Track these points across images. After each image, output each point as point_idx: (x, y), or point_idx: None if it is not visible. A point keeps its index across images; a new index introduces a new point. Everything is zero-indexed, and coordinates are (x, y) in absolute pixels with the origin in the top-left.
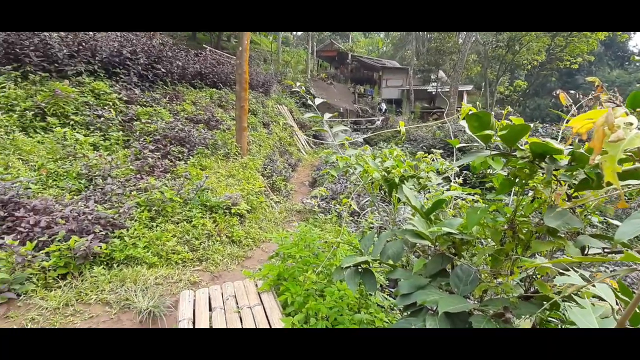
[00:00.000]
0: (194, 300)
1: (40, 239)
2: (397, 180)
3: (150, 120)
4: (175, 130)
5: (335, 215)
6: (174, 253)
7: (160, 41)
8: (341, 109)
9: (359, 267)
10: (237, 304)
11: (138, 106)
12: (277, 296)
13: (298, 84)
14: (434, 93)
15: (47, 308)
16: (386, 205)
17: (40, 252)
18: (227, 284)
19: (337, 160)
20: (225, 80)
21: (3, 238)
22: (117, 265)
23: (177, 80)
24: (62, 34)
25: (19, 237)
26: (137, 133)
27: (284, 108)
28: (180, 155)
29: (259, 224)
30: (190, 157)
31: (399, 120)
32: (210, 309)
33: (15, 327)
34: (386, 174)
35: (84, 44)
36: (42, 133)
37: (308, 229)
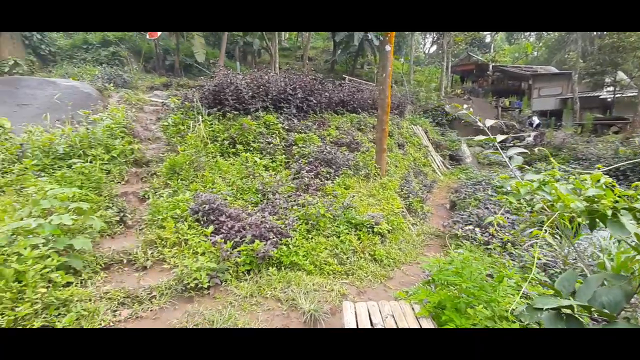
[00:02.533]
0: (355, 312)
1: (234, 240)
2: (608, 212)
3: (304, 145)
4: (324, 153)
5: (497, 245)
6: (326, 264)
7: (313, 77)
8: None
9: (560, 311)
10: (396, 324)
11: (296, 133)
12: (436, 324)
13: (465, 106)
14: (609, 100)
15: (239, 295)
16: (555, 239)
17: (234, 250)
18: (383, 302)
19: (511, 185)
20: (364, 106)
21: (214, 236)
22: (284, 269)
23: (323, 108)
24: (248, 80)
25: (222, 237)
26: (296, 156)
27: (418, 128)
28: (327, 175)
29: (398, 245)
30: (336, 177)
31: (559, 135)
32: (371, 324)
33: (220, 306)
34: (589, 204)
35: (261, 87)
36: (233, 157)
37: (470, 257)
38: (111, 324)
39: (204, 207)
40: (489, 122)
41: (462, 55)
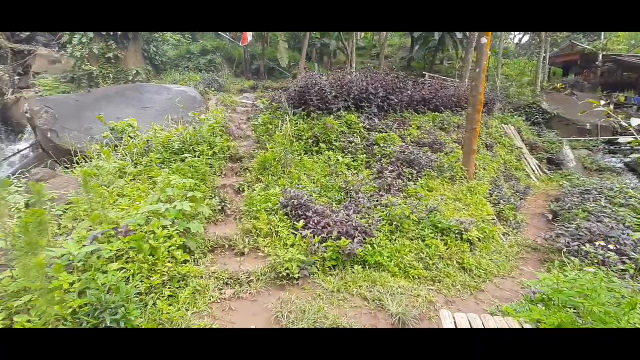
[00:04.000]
0: (454, 322)
1: (321, 235)
2: None
3: (386, 145)
4: (406, 153)
5: (631, 266)
6: (411, 267)
7: (395, 75)
8: (588, 125)
9: None
10: None
11: (376, 133)
12: None
13: (603, 102)
14: None
15: (326, 289)
16: None
17: (322, 245)
18: (486, 316)
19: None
20: (447, 104)
21: (304, 231)
22: (369, 268)
23: (404, 107)
24: (332, 81)
25: (310, 232)
26: (378, 156)
27: (510, 128)
28: (410, 177)
29: (489, 255)
30: (419, 178)
31: None
32: None
33: (309, 298)
34: None
35: (344, 87)
36: (316, 155)
37: (602, 277)
38: (218, 300)
39: (293, 202)
40: (636, 122)
41: (564, 44)
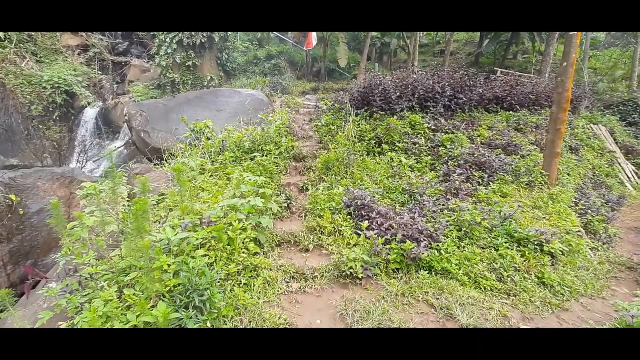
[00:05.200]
0: None
1: (385, 237)
2: None
3: (452, 146)
4: (476, 155)
5: None
6: (482, 277)
7: (465, 72)
8: None
9: None
10: None
11: (443, 134)
12: None
13: None
14: None
15: (390, 292)
16: None
17: (385, 247)
18: None
19: None
20: (523, 102)
21: (369, 231)
22: (436, 274)
23: (474, 106)
24: (396, 81)
25: (375, 233)
26: (444, 158)
27: (600, 128)
28: (480, 181)
29: (575, 272)
30: (490, 183)
31: None
32: None
33: (373, 299)
34: None
35: (409, 86)
36: (379, 157)
37: None
38: (285, 293)
39: (356, 202)
40: None
41: None
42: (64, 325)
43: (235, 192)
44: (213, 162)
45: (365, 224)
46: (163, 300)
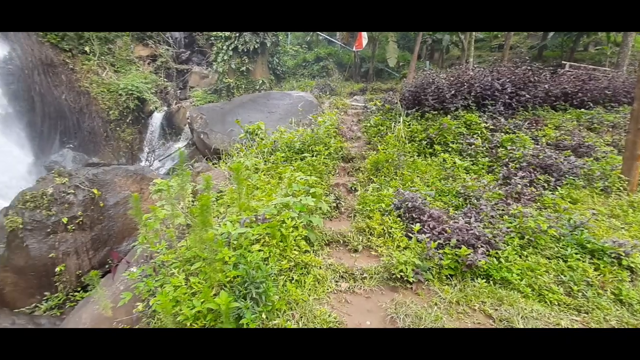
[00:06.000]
0: None
1: (438, 241)
2: None
3: (513, 147)
4: (540, 157)
5: None
6: (547, 290)
7: (528, 67)
8: None
9: None
10: None
11: (502, 133)
12: None
13: None
14: None
15: (443, 299)
16: None
17: (438, 251)
18: None
19: None
20: (597, 98)
21: (420, 234)
22: (494, 284)
23: (538, 104)
24: (451, 78)
25: (427, 236)
26: (503, 159)
27: None
28: (545, 184)
29: None
30: (558, 187)
31: None
32: None
33: (424, 304)
34: None
35: (464, 84)
36: (430, 158)
37: None
38: (335, 291)
39: (406, 204)
40: None
41: None
42: (139, 305)
43: (287, 191)
44: (265, 161)
45: (417, 226)
46: (224, 290)
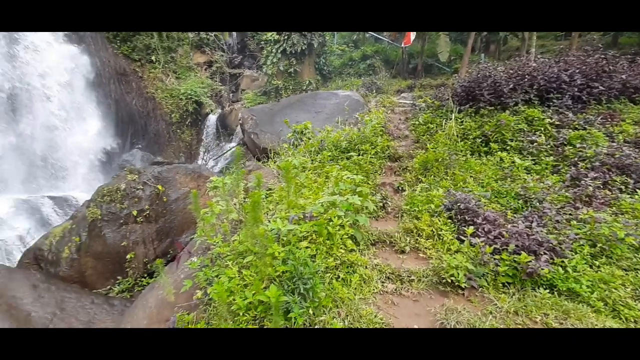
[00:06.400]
0: None
1: (494, 246)
2: None
3: (583, 145)
4: (616, 156)
5: None
6: (623, 305)
7: (602, 55)
8: None
9: None
10: None
11: (570, 130)
12: None
13: None
14: None
15: (499, 308)
16: None
17: (493, 257)
18: None
19: None
20: None
21: (473, 237)
22: (559, 295)
23: (613, 96)
24: (510, 71)
25: (482, 240)
26: (573, 159)
27: None
28: (622, 187)
29: None
30: (637, 190)
31: None
32: None
33: (478, 312)
34: None
35: (526, 76)
36: (485, 157)
37: None
38: (381, 292)
39: (458, 205)
40: None
41: None
42: (198, 293)
43: (334, 189)
44: (313, 160)
45: (470, 229)
46: (273, 284)
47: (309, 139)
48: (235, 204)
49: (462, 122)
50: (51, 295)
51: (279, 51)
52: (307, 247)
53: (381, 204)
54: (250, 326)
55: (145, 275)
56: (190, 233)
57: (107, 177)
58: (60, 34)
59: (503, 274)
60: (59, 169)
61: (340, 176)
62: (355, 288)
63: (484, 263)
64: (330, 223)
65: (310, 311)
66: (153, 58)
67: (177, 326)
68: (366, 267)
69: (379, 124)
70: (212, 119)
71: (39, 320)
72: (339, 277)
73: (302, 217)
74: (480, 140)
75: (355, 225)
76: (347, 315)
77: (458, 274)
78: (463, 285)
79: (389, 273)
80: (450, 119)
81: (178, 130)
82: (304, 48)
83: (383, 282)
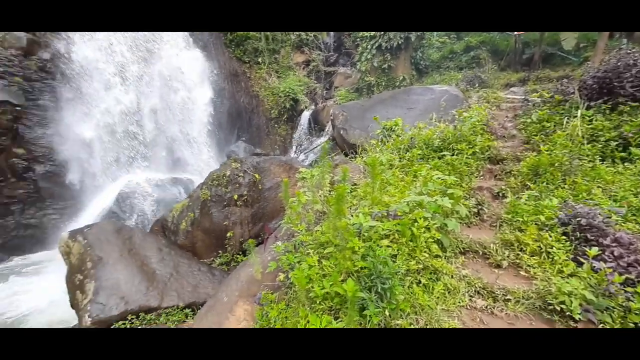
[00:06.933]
0: None
1: (626, 275)
2: None
3: None
4: None
5: None
6: None
7: None
8: None
9: None
10: None
11: None
12: None
13: None
14: None
15: None
16: None
17: (623, 288)
18: None
19: None
20: None
21: (597, 261)
22: None
23: None
24: None
25: (609, 266)
26: None
27: None
28: None
29: None
30: None
31: None
32: None
33: None
34: None
35: None
36: (622, 164)
37: None
38: (468, 307)
39: (578, 220)
40: None
41: None
42: (281, 275)
43: (422, 189)
44: (401, 158)
45: (593, 250)
46: (351, 278)
47: (398, 136)
48: (320, 196)
49: (590, 120)
50: (171, 258)
51: (374, 47)
52: (388, 246)
53: (475, 210)
54: (325, 315)
55: (240, 252)
56: (279, 219)
57: (216, 164)
58: (190, 40)
59: (636, 312)
60: (184, 154)
61: (430, 176)
62: (438, 297)
63: (609, 294)
64: (415, 224)
65: (387, 312)
66: (259, 60)
67: (261, 302)
68: (452, 277)
69: (479, 121)
70: (306, 115)
71: (161, 277)
72: (420, 282)
73: (385, 214)
74: (616, 143)
75: (443, 230)
76: (427, 325)
77: (571, 302)
78: (577, 317)
79: (480, 287)
80: (575, 116)
81: (275, 125)
82: (400, 43)
83: (472, 297)
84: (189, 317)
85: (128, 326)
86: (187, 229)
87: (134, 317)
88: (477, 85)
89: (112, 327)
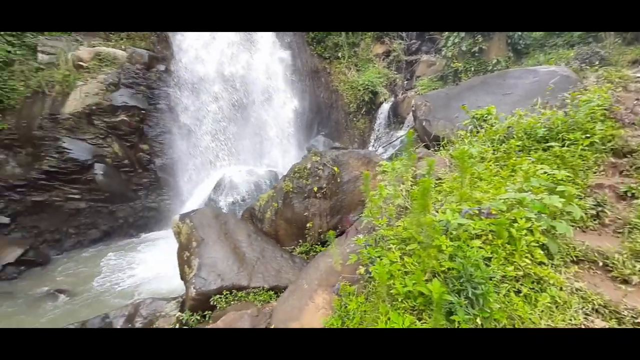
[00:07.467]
0: None
1: None
2: None
3: None
4: None
5: None
6: None
7: None
8: None
9: None
10: None
11: None
12: None
13: None
14: None
15: None
16: None
17: None
18: None
19: None
20: None
21: None
22: None
23: None
24: None
25: None
26: None
27: None
28: None
29: None
30: None
31: None
32: None
33: None
34: None
35: None
36: None
37: None
38: (582, 325)
39: None
40: None
41: None
42: (361, 269)
43: (523, 186)
44: (495, 150)
45: None
46: (437, 278)
47: (491, 125)
48: (402, 190)
49: None
50: (257, 244)
51: None
52: (480, 247)
53: (594, 212)
54: (407, 315)
55: (318, 243)
56: (357, 213)
57: (297, 158)
58: (277, 41)
59: None
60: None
61: (533, 170)
62: (543, 311)
63: None
64: (515, 225)
65: (478, 321)
66: (339, 54)
67: (340, 293)
68: (561, 289)
69: (600, 106)
70: (385, 107)
71: (250, 260)
72: (519, 291)
73: (477, 212)
74: None
75: (550, 234)
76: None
77: None
78: None
79: (599, 305)
80: None
81: (354, 119)
82: None
83: (587, 315)
84: (272, 299)
85: (224, 300)
86: (271, 217)
87: (227, 292)
88: (596, 62)
89: (210, 299)
